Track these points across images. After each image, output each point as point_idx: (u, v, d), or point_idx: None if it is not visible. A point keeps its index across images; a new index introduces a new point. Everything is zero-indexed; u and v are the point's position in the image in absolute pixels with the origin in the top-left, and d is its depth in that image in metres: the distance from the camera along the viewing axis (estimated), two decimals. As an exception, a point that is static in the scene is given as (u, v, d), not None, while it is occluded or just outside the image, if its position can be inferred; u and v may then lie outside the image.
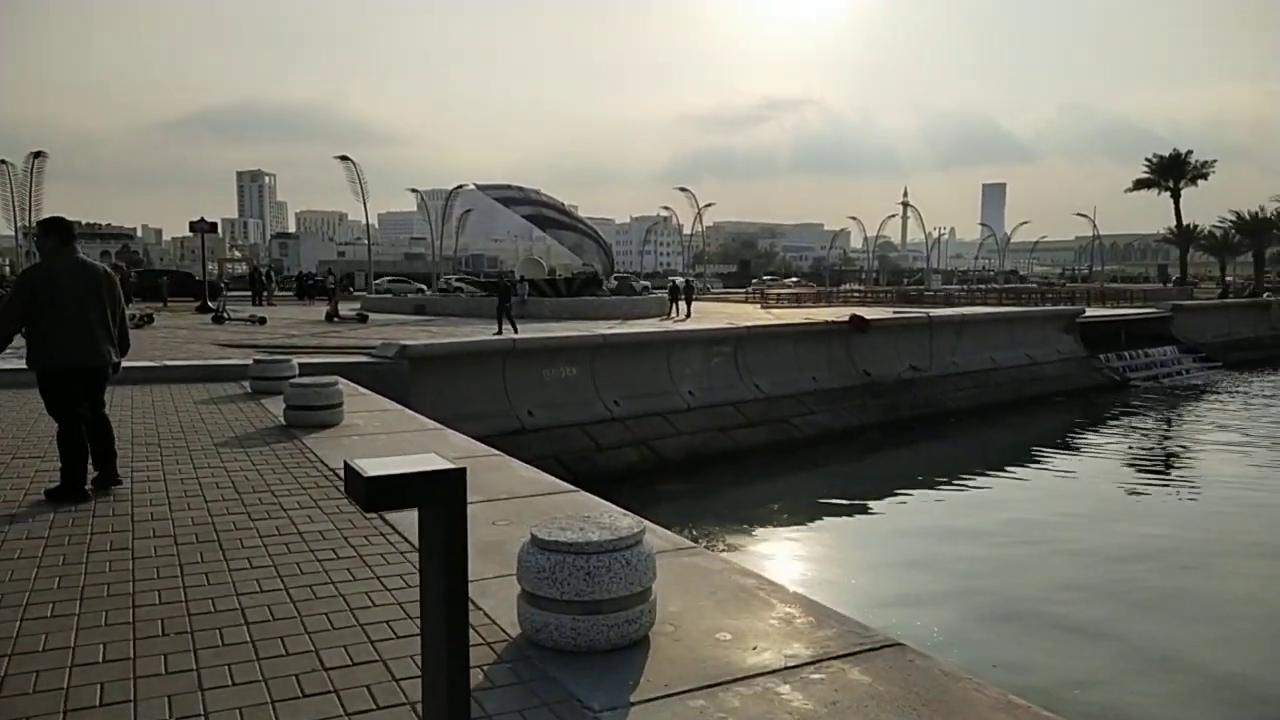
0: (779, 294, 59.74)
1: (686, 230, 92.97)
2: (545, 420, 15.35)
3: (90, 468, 5.95)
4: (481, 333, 23.07)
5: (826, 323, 20.87)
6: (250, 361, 11.70)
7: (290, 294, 43.40)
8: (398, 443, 7.68)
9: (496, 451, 7.20)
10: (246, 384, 11.12)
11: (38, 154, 51.17)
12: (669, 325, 26.54)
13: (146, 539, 4.77)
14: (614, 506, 5.25)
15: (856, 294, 59.37)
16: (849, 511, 13.72)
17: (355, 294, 42.31)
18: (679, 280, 41.33)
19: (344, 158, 53.07)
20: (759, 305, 51.92)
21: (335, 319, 25.83)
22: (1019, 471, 16.26)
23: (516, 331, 21.00)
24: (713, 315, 33.56)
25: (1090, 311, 31.76)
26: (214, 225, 34.21)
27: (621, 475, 14.87)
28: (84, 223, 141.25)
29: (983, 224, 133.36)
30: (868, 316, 21.34)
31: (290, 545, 4.65)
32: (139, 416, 8.89)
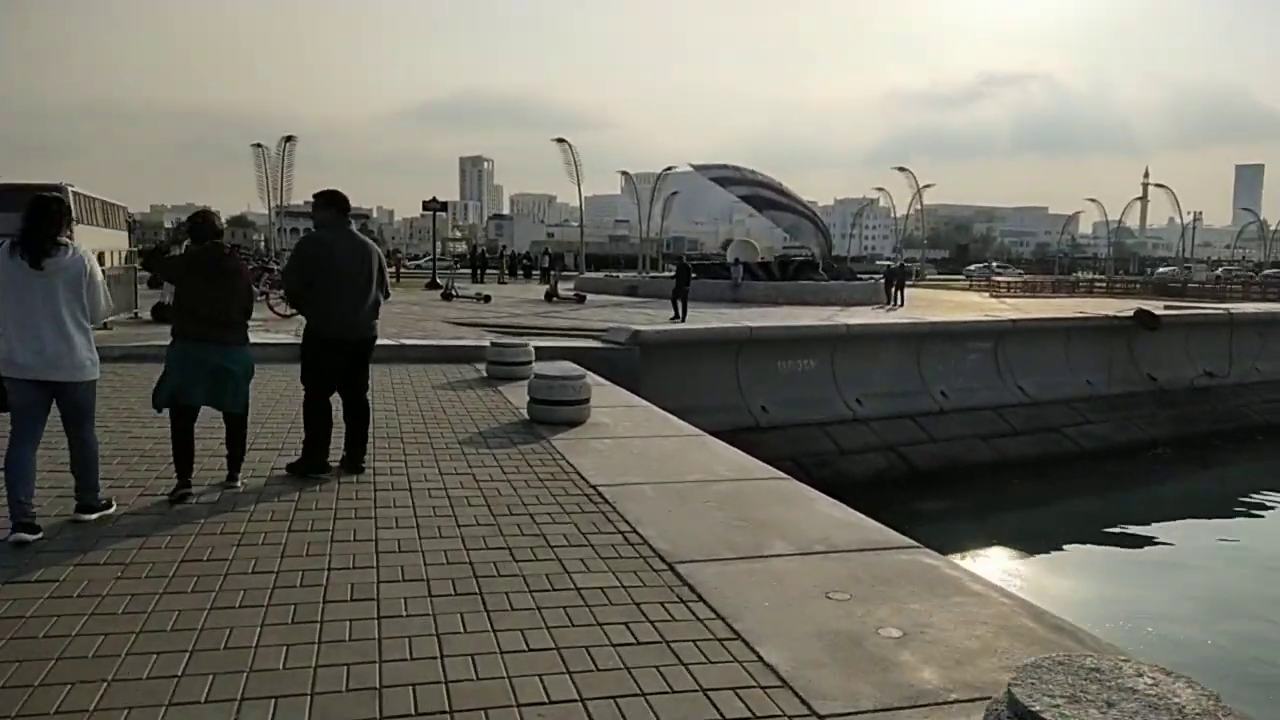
0: (1009, 282, 54.82)
1: (898, 212, 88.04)
2: (781, 417, 13.92)
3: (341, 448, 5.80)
4: (695, 315, 21.98)
5: (1107, 318, 17.96)
6: (485, 343, 11.10)
7: (497, 272, 44.32)
8: (656, 450, 6.52)
9: (782, 474, 5.86)
10: (482, 367, 10.48)
11: (289, 138, 55.61)
12: (896, 315, 24.26)
13: (394, 580, 3.81)
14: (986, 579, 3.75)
15: (1100, 284, 53.25)
16: (1145, 545, 11.31)
17: (566, 274, 42.65)
18: (892, 264, 38.22)
19: (561, 140, 53.88)
20: (988, 294, 47.72)
21: (554, 299, 25.65)
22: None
23: (684, 318, 19.56)
24: (940, 305, 30.73)
25: None
26: (445, 205, 35.39)
27: (867, 484, 13.17)
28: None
29: (1245, 209, 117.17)
30: (1156, 312, 18.18)
31: (569, 609, 3.51)
32: (380, 402, 8.31)
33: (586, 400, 7.54)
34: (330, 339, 5.62)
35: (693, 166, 36.80)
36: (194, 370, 5.04)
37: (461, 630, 3.26)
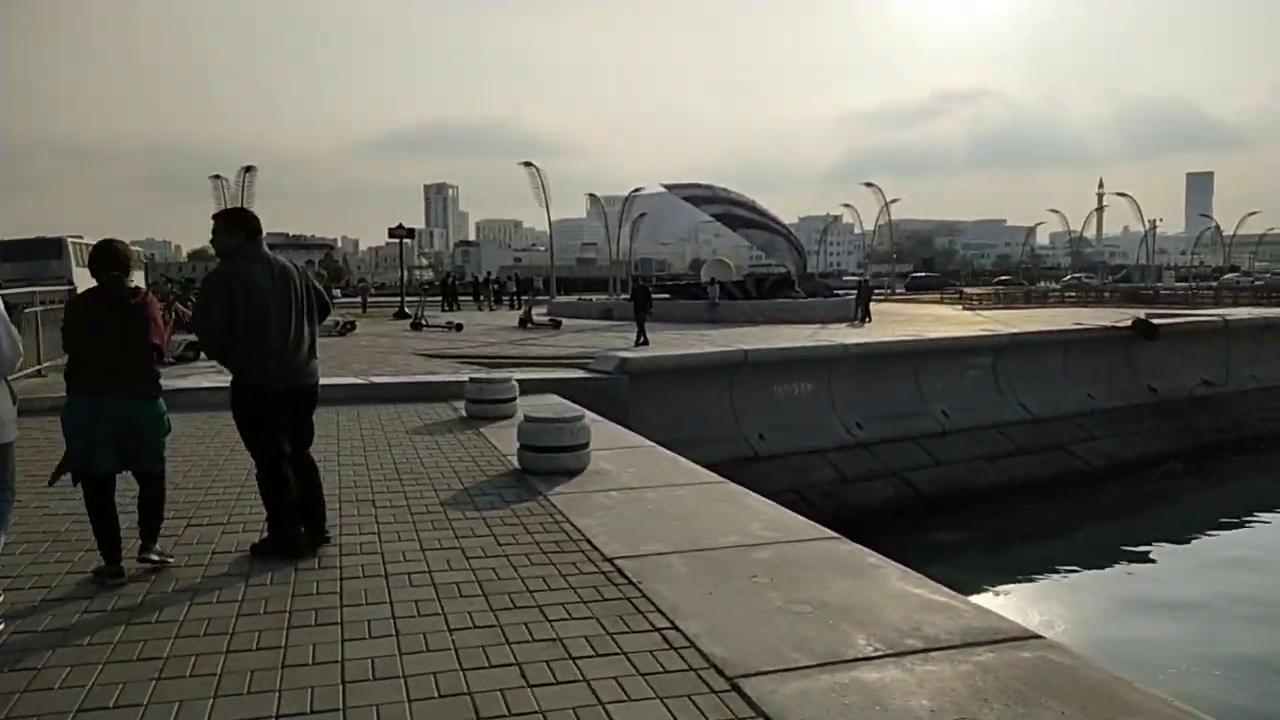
0: (981, 294, 54.83)
1: (860, 228, 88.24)
2: (779, 445, 13.06)
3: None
4: (676, 337, 21.11)
5: (1105, 328, 17.37)
6: (463, 378, 10.12)
7: (472, 299, 43.16)
8: (674, 504, 5.59)
9: (831, 533, 4.95)
10: (460, 406, 9.50)
11: (248, 169, 54.26)
12: (866, 333, 23.55)
13: (362, 704, 2.84)
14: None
15: (1072, 295, 53.31)
16: (1175, 575, 10.55)
17: (539, 298, 41.61)
18: (863, 279, 37.43)
19: (528, 164, 53.08)
20: (960, 307, 47.53)
21: (529, 325, 24.67)
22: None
23: (648, 342, 18.66)
24: (917, 320, 30.18)
25: None
26: (412, 231, 34.23)
27: (875, 514, 12.33)
28: (290, 234, 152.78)
29: (1204, 215, 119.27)
30: (1154, 321, 17.63)
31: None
32: (345, 451, 7.31)
33: (586, 445, 6.59)
34: (273, 391, 4.61)
35: (665, 186, 36.11)
36: (99, 430, 4.08)
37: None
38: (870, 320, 29.25)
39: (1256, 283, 59.07)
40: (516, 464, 6.69)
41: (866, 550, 4.61)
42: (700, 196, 35.64)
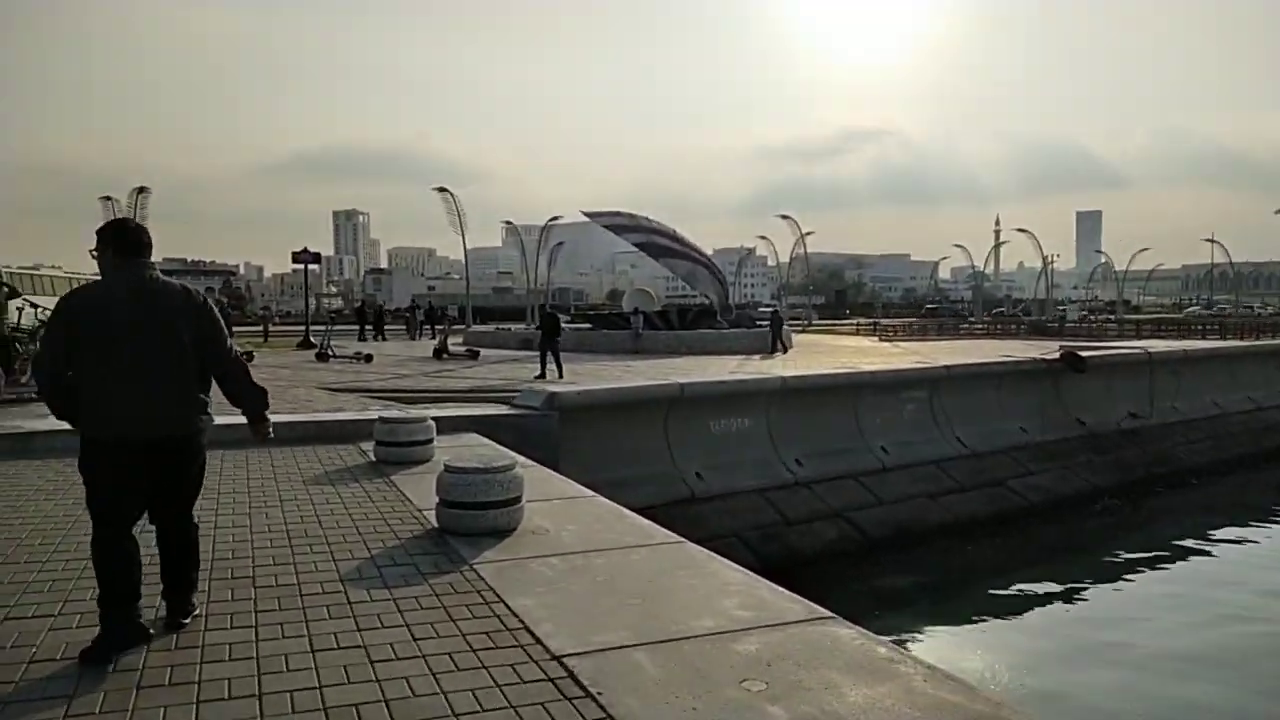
0: (894, 326, 55.81)
1: (772, 261, 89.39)
2: (718, 485, 12.24)
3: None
4: (600, 369, 20.24)
5: (1035, 360, 17.22)
6: (372, 416, 8.98)
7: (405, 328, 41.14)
8: (629, 573, 4.65)
9: (823, 612, 4.07)
10: (368, 448, 8.38)
11: (141, 189, 51.23)
12: (798, 366, 23.18)
13: None
14: None
15: (981, 327, 54.71)
16: (1126, 619, 10.10)
17: (455, 328, 40.09)
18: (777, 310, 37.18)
19: (442, 189, 51.69)
20: (876, 338, 48.19)
21: (445, 355, 23.41)
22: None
23: (561, 375, 17.84)
24: (839, 351, 30.14)
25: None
26: (317, 256, 32.47)
27: (819, 558, 11.61)
28: (189, 260, 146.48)
29: (1098, 251, 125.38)
30: (1082, 353, 17.58)
31: None
32: (225, 508, 6.13)
33: (519, 499, 5.60)
34: (109, 443, 3.66)
35: (585, 214, 35.37)
36: None
37: None
38: (786, 351, 28.99)
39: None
40: (434, 522, 5.64)
41: (874, 637, 3.76)
42: (622, 225, 35.03)
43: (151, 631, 3.73)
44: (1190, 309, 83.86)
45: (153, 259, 4.04)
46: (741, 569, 4.72)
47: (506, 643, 3.70)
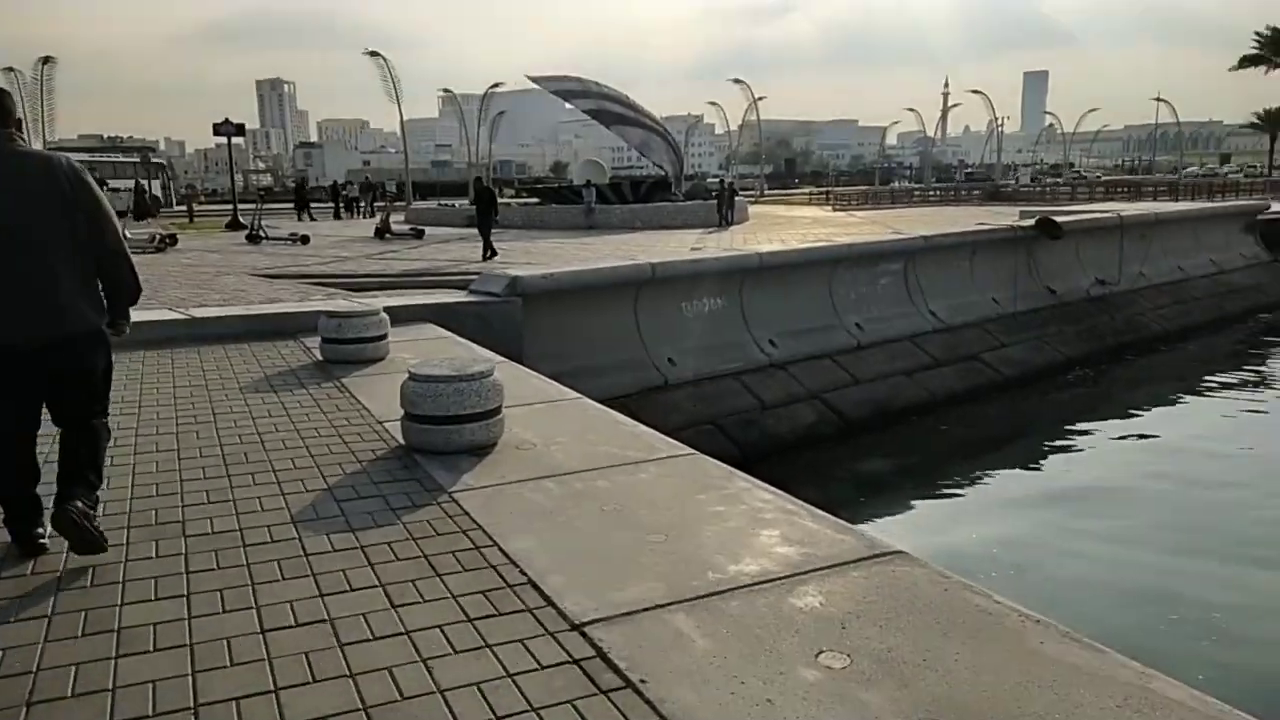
0: (847, 194, 55.00)
1: (719, 129, 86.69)
2: (690, 370, 11.58)
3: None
4: (554, 247, 19.18)
5: (1011, 229, 16.62)
6: (315, 308, 8.00)
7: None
8: (640, 498, 3.93)
9: (895, 547, 3.40)
10: (311, 344, 7.44)
11: (46, 59, 46.73)
12: (744, 242, 22.33)
13: None
14: None
15: (934, 192, 54.13)
16: (1113, 493, 9.88)
17: (397, 204, 38.01)
18: (727, 181, 35.71)
19: (374, 53, 48.18)
20: (830, 208, 47.43)
21: (387, 235, 21.97)
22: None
23: (491, 255, 16.69)
24: (796, 223, 29.38)
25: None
26: (240, 127, 29.87)
27: (799, 443, 11.16)
28: (105, 136, 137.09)
29: (1048, 112, 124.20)
30: (1057, 219, 17.02)
31: None
32: (147, 425, 5.21)
33: (499, 409, 4.79)
34: None
35: (531, 79, 33.12)
36: None
37: None
38: (731, 224, 27.98)
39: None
40: (399, 438, 4.82)
41: (952, 576, 3.10)
42: (570, 90, 32.98)
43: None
44: (1189, 169, 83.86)
45: (16, 128, 3.19)
46: (772, 489, 4.02)
47: (510, 604, 2.97)
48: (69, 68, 54.87)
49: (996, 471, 10.84)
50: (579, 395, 5.86)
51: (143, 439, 4.93)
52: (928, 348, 14.01)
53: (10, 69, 48.00)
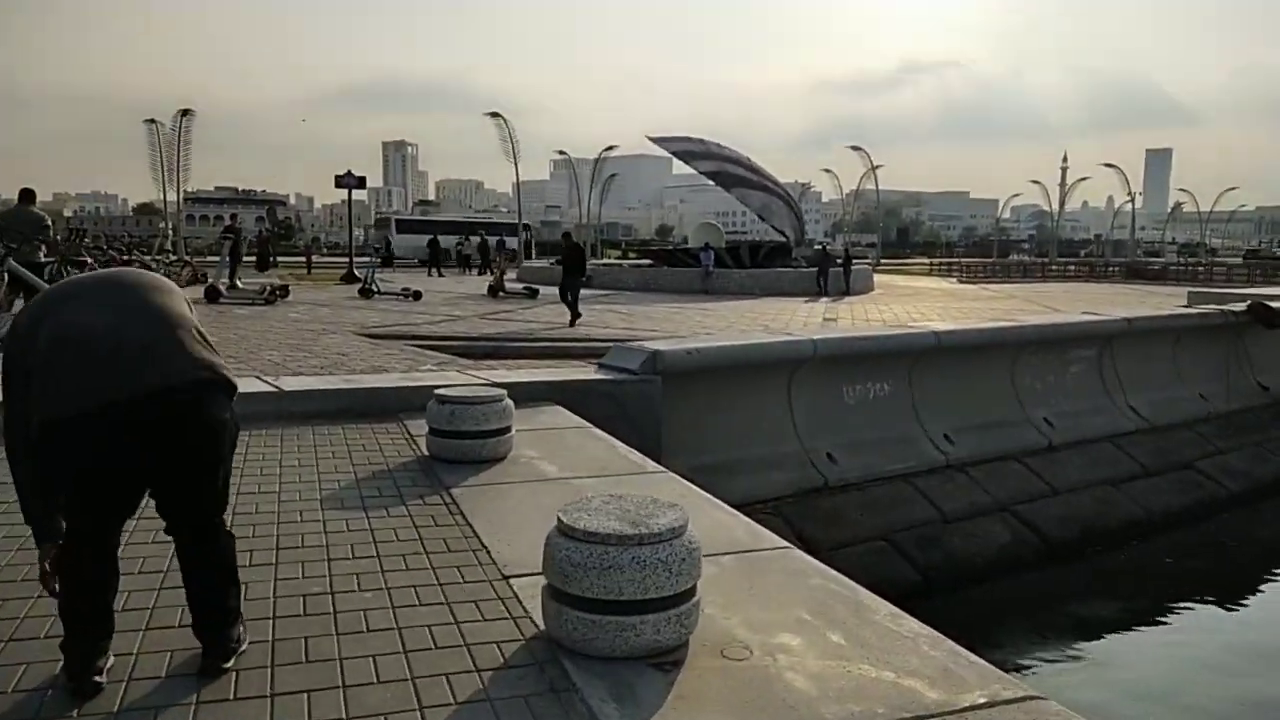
0: (970, 265, 52.21)
1: (827, 197, 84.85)
2: (855, 470, 9.63)
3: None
4: (675, 312, 17.63)
5: (1221, 313, 14.14)
6: (423, 382, 6.54)
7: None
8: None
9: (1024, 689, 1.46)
10: (415, 429, 5.95)
11: (185, 112, 48.98)
12: (878, 312, 20.29)
13: None
14: None
15: (1073, 268, 50.70)
16: None
17: (510, 264, 37.37)
18: (838, 247, 33.67)
19: (495, 114, 48.75)
20: (955, 280, 44.86)
21: (501, 293, 20.94)
22: None
23: (576, 319, 14.83)
24: (923, 295, 27.25)
25: None
26: (362, 180, 29.94)
27: (994, 569, 9.00)
28: (239, 189, 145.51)
29: (1182, 189, 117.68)
30: (1272, 305, 14.44)
31: None
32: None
33: (693, 589, 3.05)
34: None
35: (652, 139, 32.28)
36: None
37: None
38: (854, 293, 26.82)
39: None
40: (538, 619, 3.12)
41: None
42: (691, 151, 31.94)
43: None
44: None
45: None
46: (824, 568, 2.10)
47: None
48: (210, 123, 57.71)
49: (1248, 617, 8.45)
50: (788, 545, 4.06)
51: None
52: (1132, 451, 11.66)
53: (151, 120, 50.62)
